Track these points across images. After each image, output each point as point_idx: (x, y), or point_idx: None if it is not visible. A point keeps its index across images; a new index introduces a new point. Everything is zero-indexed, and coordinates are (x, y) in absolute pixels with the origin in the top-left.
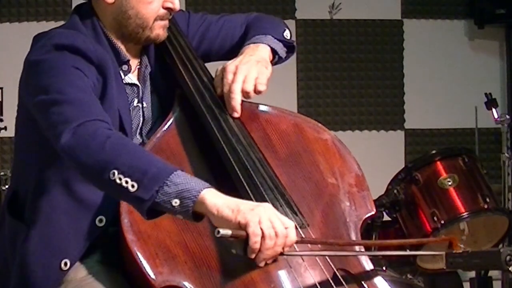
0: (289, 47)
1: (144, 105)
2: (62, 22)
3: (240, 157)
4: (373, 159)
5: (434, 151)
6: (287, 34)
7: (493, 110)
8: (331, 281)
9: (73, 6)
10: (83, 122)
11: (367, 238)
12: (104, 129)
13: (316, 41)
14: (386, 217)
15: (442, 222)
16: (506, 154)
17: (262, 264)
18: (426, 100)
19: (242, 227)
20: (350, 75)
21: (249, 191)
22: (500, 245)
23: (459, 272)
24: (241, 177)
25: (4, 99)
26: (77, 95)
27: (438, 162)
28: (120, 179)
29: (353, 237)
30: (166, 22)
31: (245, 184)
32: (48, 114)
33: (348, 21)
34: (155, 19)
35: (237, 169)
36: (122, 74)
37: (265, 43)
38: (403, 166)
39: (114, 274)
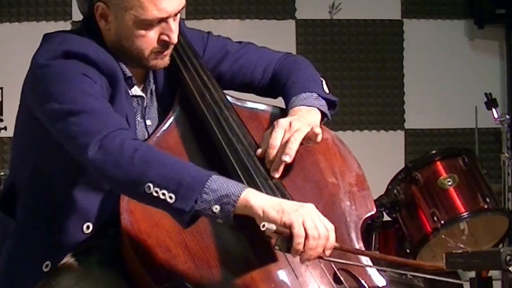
0: (331, 104)
1: (148, 123)
2: (62, 22)
3: (240, 157)
4: (373, 159)
5: (434, 151)
6: (325, 87)
7: (493, 110)
8: (331, 281)
9: (73, 6)
10: (107, 134)
11: (367, 238)
12: (130, 140)
13: (316, 41)
14: (386, 217)
15: (442, 222)
16: (506, 154)
17: (304, 264)
18: (426, 100)
19: (287, 227)
20: (350, 75)
21: None
22: (500, 245)
23: (459, 272)
24: (241, 176)
25: (4, 99)
26: (93, 104)
27: (438, 162)
28: (156, 192)
29: (354, 237)
30: (165, 53)
31: (245, 184)
32: (65, 125)
33: (348, 21)
34: (151, 51)
35: (237, 169)
36: (128, 88)
37: (316, 107)
38: (403, 166)
39: (114, 275)
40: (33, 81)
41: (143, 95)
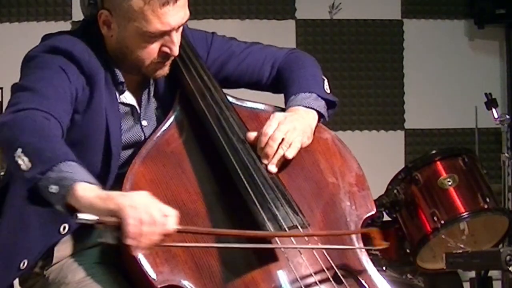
0: (330, 104)
1: (144, 123)
2: (62, 22)
3: (240, 156)
4: (373, 159)
5: (434, 151)
6: (327, 87)
7: (493, 110)
8: (331, 280)
9: (73, 6)
10: (30, 109)
11: (367, 238)
12: (41, 118)
13: (316, 41)
14: (386, 217)
15: (442, 222)
16: (506, 154)
17: (137, 253)
18: (426, 100)
19: (113, 213)
20: (350, 75)
21: (249, 190)
22: (500, 245)
23: (459, 272)
24: (241, 176)
25: (4, 99)
26: (46, 89)
27: (438, 162)
28: (19, 157)
29: (354, 237)
30: (165, 63)
31: (245, 183)
32: (11, 99)
33: (348, 21)
34: (152, 61)
35: (237, 168)
36: (117, 93)
37: (315, 109)
38: (403, 166)
39: (113, 275)
40: (20, 72)
41: (134, 104)
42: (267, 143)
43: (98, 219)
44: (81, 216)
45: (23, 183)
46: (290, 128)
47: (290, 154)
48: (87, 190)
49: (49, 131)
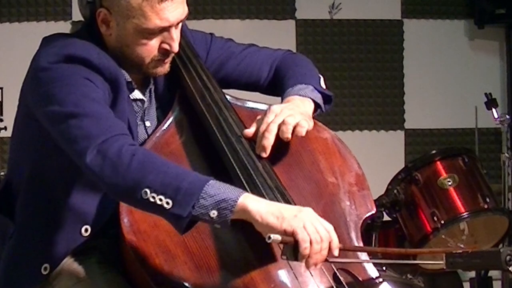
0: (327, 99)
1: (148, 124)
2: (62, 22)
3: (239, 157)
4: (373, 159)
5: (434, 151)
6: (323, 83)
7: (493, 110)
8: (331, 281)
9: (73, 6)
10: (106, 139)
11: (367, 238)
12: (128, 146)
13: (316, 41)
14: (386, 217)
15: (442, 222)
16: (506, 154)
17: (313, 269)
18: (426, 100)
19: (289, 234)
20: (350, 75)
21: (248, 191)
22: (500, 245)
23: (459, 272)
24: (240, 176)
25: (4, 99)
26: (94, 108)
27: (438, 162)
28: (153, 197)
29: (353, 237)
30: (165, 61)
31: (245, 184)
32: (66, 127)
33: (348, 21)
34: (152, 59)
35: (236, 169)
36: (128, 92)
37: (310, 97)
38: (403, 166)
39: (114, 275)
40: (35, 84)
41: (144, 98)
42: (263, 135)
43: (282, 239)
44: (272, 236)
45: (168, 217)
46: (288, 114)
47: (302, 131)
48: (256, 204)
49: (151, 158)
